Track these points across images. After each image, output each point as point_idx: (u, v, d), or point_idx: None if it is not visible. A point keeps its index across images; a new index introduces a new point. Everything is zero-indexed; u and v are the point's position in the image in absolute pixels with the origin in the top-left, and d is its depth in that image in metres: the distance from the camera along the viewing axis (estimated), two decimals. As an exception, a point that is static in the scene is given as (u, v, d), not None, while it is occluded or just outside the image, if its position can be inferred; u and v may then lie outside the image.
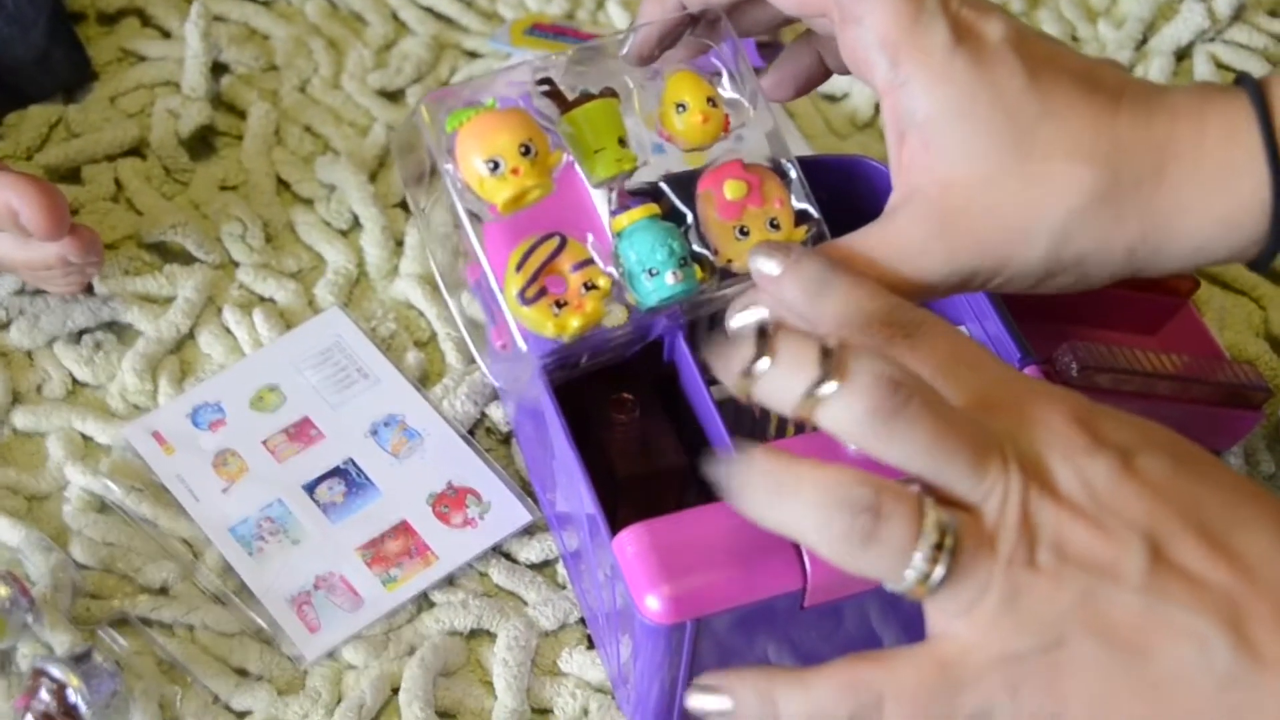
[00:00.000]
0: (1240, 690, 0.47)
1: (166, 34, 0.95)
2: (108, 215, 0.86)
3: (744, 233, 0.65)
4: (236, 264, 0.85)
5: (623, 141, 0.65)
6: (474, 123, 0.63)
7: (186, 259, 0.85)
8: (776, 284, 0.56)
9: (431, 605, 0.73)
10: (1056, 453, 0.50)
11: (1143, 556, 0.48)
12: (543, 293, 0.63)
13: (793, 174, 0.67)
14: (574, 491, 0.66)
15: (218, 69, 0.93)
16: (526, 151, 0.62)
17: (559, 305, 0.63)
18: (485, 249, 0.64)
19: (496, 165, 0.62)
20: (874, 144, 0.93)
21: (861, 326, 0.54)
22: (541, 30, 0.92)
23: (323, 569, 0.73)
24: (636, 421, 0.68)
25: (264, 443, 0.78)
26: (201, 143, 0.91)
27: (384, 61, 0.95)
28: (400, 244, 0.86)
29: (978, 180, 0.57)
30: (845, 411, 0.48)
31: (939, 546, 0.48)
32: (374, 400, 0.80)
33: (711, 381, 0.69)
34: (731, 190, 0.66)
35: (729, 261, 0.65)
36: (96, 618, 0.71)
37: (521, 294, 0.63)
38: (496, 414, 0.79)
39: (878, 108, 0.94)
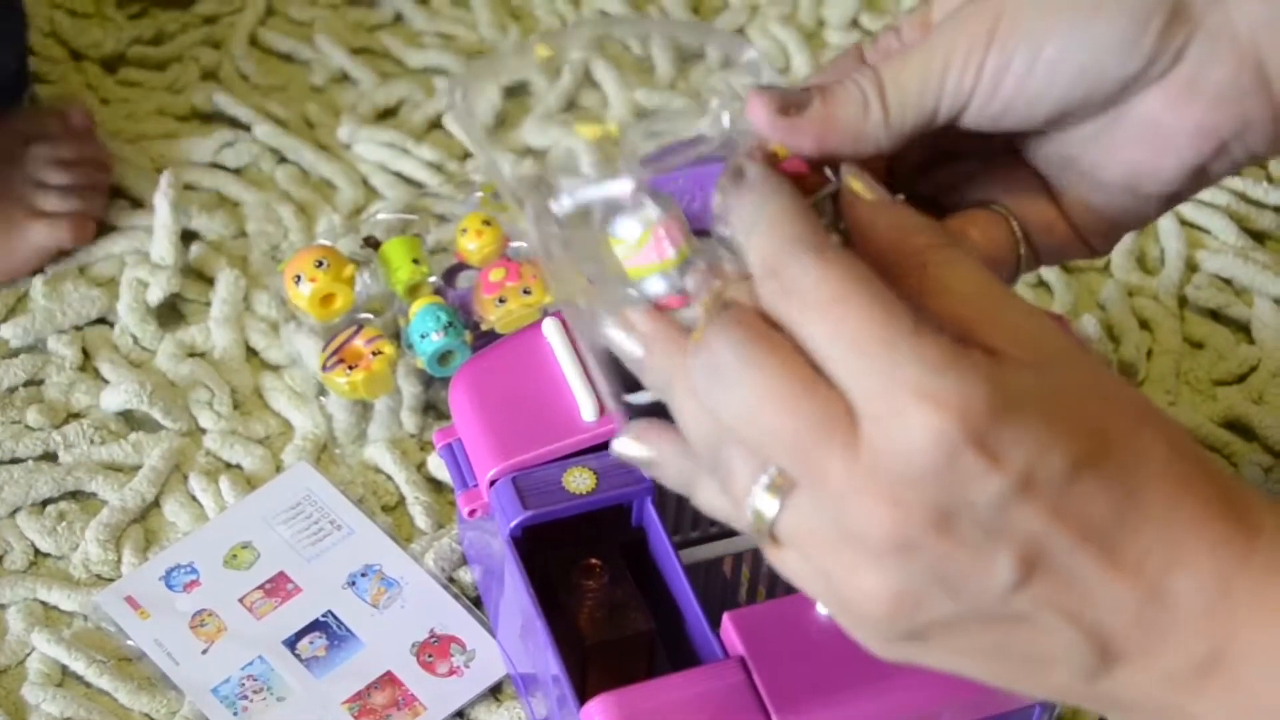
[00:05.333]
0: (1107, 681, 0.47)
1: (139, 203, 0.95)
2: (74, 385, 0.85)
3: (502, 300, 0.84)
4: (204, 431, 0.85)
5: (416, 261, 0.86)
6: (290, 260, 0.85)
7: (153, 427, 0.85)
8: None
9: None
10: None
11: (1011, 575, 0.46)
12: (339, 362, 0.82)
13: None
14: (542, 659, 0.65)
15: (187, 236, 0.93)
16: (320, 264, 0.83)
17: (350, 368, 0.82)
18: (454, 415, 0.68)
19: (299, 279, 0.84)
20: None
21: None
22: (510, 195, 0.93)
23: (311, 725, 0.72)
24: (605, 587, 0.67)
25: (240, 600, 0.77)
26: (170, 310, 0.91)
27: (355, 227, 0.96)
28: (368, 408, 0.86)
29: None
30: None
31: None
32: (349, 551, 0.79)
33: (680, 545, 0.69)
34: (494, 275, 0.84)
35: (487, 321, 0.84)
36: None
37: (323, 366, 0.83)
38: (466, 578, 0.79)
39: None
